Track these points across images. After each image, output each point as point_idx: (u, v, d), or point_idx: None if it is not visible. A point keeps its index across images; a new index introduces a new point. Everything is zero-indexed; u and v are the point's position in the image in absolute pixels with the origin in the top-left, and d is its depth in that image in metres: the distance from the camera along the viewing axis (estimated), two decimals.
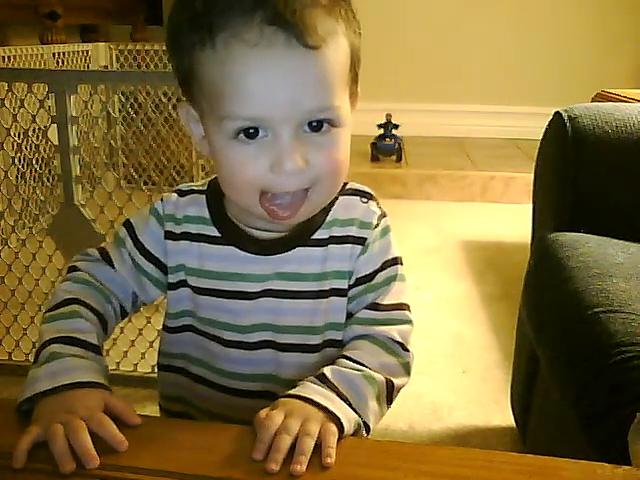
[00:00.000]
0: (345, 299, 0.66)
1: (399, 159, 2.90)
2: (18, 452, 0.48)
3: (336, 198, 0.65)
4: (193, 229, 0.66)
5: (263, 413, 0.52)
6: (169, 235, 0.66)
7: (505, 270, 1.97)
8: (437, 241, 2.25)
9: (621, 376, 0.70)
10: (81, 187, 1.25)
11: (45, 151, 1.79)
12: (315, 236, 0.64)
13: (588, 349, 0.77)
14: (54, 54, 2.22)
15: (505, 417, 1.24)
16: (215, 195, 0.66)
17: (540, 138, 1.13)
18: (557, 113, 1.07)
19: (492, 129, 3.44)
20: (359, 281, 0.65)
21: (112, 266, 0.67)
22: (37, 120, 1.29)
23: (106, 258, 0.68)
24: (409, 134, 3.14)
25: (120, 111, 2.21)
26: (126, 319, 0.72)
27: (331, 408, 0.53)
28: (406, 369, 0.63)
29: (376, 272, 0.65)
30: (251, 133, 0.55)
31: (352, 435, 0.55)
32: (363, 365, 0.59)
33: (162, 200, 0.68)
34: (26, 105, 1.27)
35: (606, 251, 0.92)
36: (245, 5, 0.52)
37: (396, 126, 2.87)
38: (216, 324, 0.66)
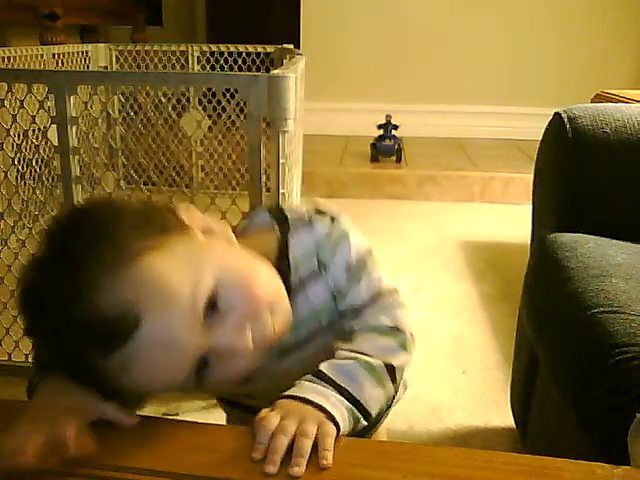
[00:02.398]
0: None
1: (399, 160, 2.90)
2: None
3: (287, 241, 0.65)
4: None
5: (262, 414, 0.52)
6: None
7: (505, 270, 1.97)
8: (437, 241, 2.25)
9: (621, 377, 0.70)
10: (81, 188, 1.25)
11: (45, 152, 1.79)
12: (291, 285, 0.65)
13: (588, 349, 0.77)
14: (54, 55, 2.21)
15: (505, 417, 1.24)
16: None
17: (540, 138, 1.13)
18: (557, 114, 1.07)
19: (492, 129, 3.44)
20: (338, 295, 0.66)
21: None
22: (37, 121, 1.29)
23: None
24: (409, 134, 3.14)
25: (120, 112, 2.21)
26: None
27: (325, 406, 0.53)
28: (404, 346, 0.63)
29: (345, 280, 0.66)
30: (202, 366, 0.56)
31: (352, 428, 0.55)
32: (359, 353, 0.60)
33: None
34: (26, 105, 1.27)
35: (606, 251, 0.92)
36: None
37: (396, 127, 2.87)
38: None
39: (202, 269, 0.54)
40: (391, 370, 0.61)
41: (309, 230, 0.66)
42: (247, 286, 0.56)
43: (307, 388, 0.56)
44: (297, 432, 0.50)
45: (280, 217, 0.67)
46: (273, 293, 0.59)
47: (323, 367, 0.58)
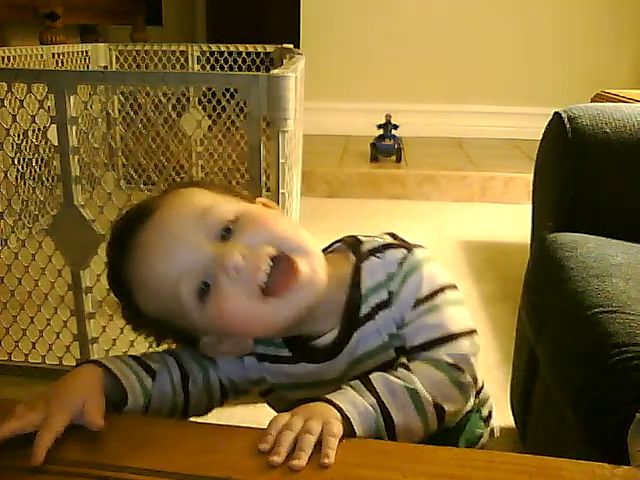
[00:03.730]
0: None
1: (399, 159, 2.90)
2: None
3: (359, 269, 0.65)
4: (269, 351, 0.67)
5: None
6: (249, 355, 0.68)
7: (505, 270, 1.97)
8: (437, 241, 2.25)
9: (621, 376, 0.70)
10: (81, 187, 1.25)
11: (45, 151, 1.79)
12: (361, 314, 0.65)
13: (588, 349, 0.77)
14: (54, 54, 2.21)
15: (505, 417, 1.23)
16: None
17: (540, 138, 1.13)
18: (557, 113, 1.07)
19: (492, 129, 3.44)
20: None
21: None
22: (37, 120, 1.29)
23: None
24: (409, 134, 3.13)
25: (120, 111, 2.21)
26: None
27: (341, 405, 0.54)
28: (459, 385, 0.61)
29: (410, 314, 0.64)
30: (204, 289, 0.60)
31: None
32: (413, 381, 0.59)
33: None
34: (26, 105, 1.27)
35: (606, 251, 0.92)
36: None
37: (396, 126, 2.87)
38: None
39: (234, 203, 0.62)
40: (439, 410, 0.59)
41: (381, 260, 0.65)
42: (262, 220, 0.61)
43: (339, 394, 0.56)
44: (301, 429, 0.51)
45: (355, 244, 0.68)
46: (290, 236, 0.61)
47: (372, 377, 0.58)
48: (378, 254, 0.66)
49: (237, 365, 0.67)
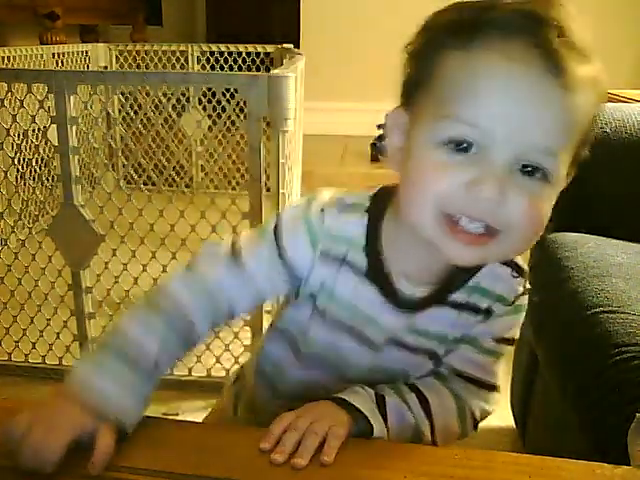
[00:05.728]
0: None
1: None
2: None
3: (483, 266, 0.61)
4: (344, 253, 0.61)
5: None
6: (320, 254, 0.61)
7: None
8: None
9: (621, 376, 0.70)
10: (81, 187, 1.25)
11: (45, 151, 1.79)
12: (452, 298, 0.61)
13: (588, 349, 0.77)
14: (54, 54, 2.22)
15: (505, 417, 1.23)
16: (377, 219, 0.62)
17: None
18: None
19: None
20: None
21: (241, 268, 0.60)
22: (37, 120, 1.29)
23: (237, 259, 0.60)
24: None
25: (120, 111, 2.21)
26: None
27: (359, 407, 0.55)
28: (458, 438, 0.63)
29: (478, 338, 0.63)
30: (461, 148, 0.51)
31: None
32: (429, 415, 0.59)
33: (323, 211, 0.62)
34: (26, 105, 1.27)
35: (606, 251, 0.92)
36: (515, 26, 0.51)
37: None
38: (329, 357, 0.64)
39: None
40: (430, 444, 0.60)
41: (509, 279, 0.62)
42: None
43: (353, 394, 0.56)
44: (307, 430, 0.51)
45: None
46: (538, 227, 0.54)
47: (387, 394, 0.58)
48: (514, 272, 0.62)
49: (301, 258, 0.61)
